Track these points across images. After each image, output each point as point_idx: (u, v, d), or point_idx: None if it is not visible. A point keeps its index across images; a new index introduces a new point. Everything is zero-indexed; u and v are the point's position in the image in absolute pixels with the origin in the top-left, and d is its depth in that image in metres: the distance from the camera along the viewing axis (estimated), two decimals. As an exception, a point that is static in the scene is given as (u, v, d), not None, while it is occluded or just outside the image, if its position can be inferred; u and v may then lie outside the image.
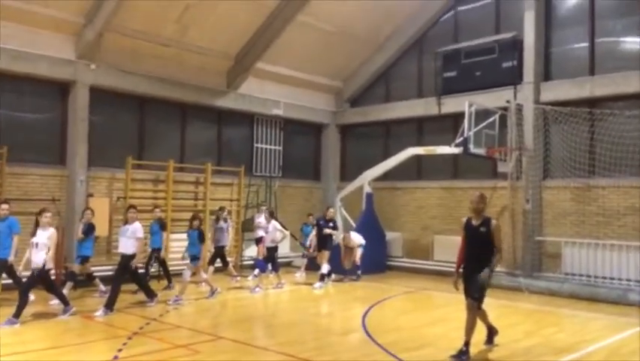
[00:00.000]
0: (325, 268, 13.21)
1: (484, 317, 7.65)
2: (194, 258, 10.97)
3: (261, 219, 13.42)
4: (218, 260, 12.71)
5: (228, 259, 13.38)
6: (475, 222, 7.36)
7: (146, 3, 12.66)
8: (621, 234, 12.51)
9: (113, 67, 13.16)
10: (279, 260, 13.21)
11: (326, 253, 13.37)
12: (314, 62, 16.83)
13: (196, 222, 11.16)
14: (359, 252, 14.03)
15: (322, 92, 18.08)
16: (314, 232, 14.20)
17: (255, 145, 16.76)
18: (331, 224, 13.72)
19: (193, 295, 11.20)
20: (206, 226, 13.23)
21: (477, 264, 7.20)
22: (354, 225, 15.43)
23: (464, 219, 7.58)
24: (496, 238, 7.23)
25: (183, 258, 11.46)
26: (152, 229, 12.09)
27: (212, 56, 14.82)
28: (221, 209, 13.01)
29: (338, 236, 14.07)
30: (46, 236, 8.79)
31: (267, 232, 12.49)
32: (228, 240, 12.80)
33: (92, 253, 10.77)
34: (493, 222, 7.29)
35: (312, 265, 14.07)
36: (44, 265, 8.69)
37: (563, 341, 8.22)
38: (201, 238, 11.01)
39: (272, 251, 12.42)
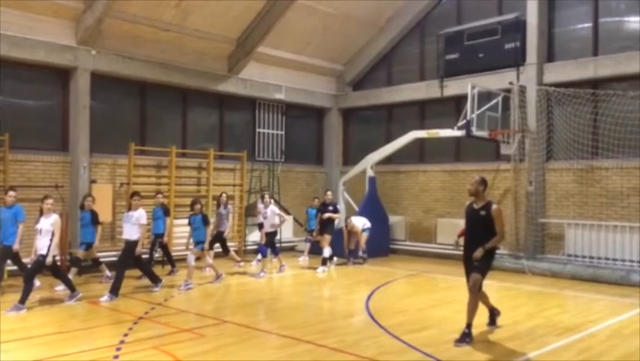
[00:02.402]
0: (326, 251, 13.24)
1: (485, 299, 7.69)
2: (199, 242, 11.01)
3: (262, 204, 13.43)
4: (218, 245, 12.71)
5: (230, 244, 13.37)
6: (476, 206, 7.38)
7: (146, -13, 12.61)
8: (624, 215, 12.51)
9: (114, 52, 13.12)
10: (282, 244, 13.23)
11: (327, 237, 13.39)
12: (315, 45, 16.74)
13: (198, 207, 11.20)
14: (364, 236, 14.02)
15: (324, 76, 18.01)
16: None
17: (257, 130, 16.74)
18: (331, 207, 13.72)
19: (198, 280, 11.26)
20: (208, 211, 13.28)
21: (477, 247, 7.23)
22: (357, 209, 15.45)
23: (467, 203, 7.59)
24: (496, 222, 7.23)
25: (187, 247, 11.42)
26: (155, 215, 12.14)
27: (212, 40, 14.74)
28: (220, 195, 13.01)
29: (340, 219, 14.07)
30: (49, 223, 8.86)
31: (265, 217, 12.49)
32: (227, 226, 12.79)
33: (94, 239, 10.79)
34: (494, 206, 7.29)
35: (316, 249, 14.11)
36: (48, 252, 8.74)
37: (566, 322, 8.26)
38: (205, 221, 11.06)
39: (271, 236, 12.45)
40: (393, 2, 16.45)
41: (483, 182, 7.40)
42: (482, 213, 7.26)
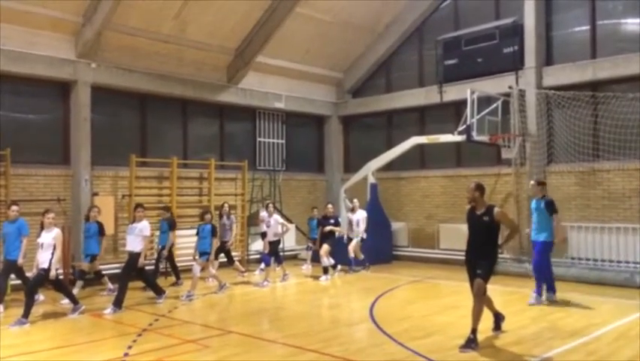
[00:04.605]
0: (325, 261, 13.15)
1: (489, 304, 7.67)
2: (204, 253, 11.00)
3: (264, 213, 13.43)
4: (223, 255, 12.68)
5: (233, 253, 13.32)
6: (478, 212, 7.37)
7: (144, 0, 12.62)
8: (627, 217, 12.48)
9: (114, 65, 13.16)
10: (285, 253, 13.16)
11: (326, 247, 13.28)
12: (314, 53, 16.80)
13: (208, 217, 11.20)
14: (354, 242, 13.87)
15: (323, 84, 18.05)
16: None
17: (258, 139, 16.76)
18: (332, 220, 13.64)
19: (201, 291, 11.25)
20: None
21: (479, 252, 7.26)
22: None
23: (468, 207, 7.59)
24: (505, 222, 7.36)
25: (194, 258, 11.39)
26: (161, 228, 12.16)
27: (211, 51, 14.80)
28: (222, 205, 13.00)
29: (341, 232, 13.99)
30: (51, 237, 8.87)
31: (268, 226, 12.50)
32: (230, 236, 12.75)
33: (98, 250, 10.84)
34: (496, 209, 7.31)
35: (318, 258, 14.07)
36: (50, 265, 8.73)
37: (571, 326, 8.23)
38: (214, 232, 11.05)
39: (274, 245, 12.46)
40: (391, 9, 16.52)
41: (479, 187, 7.42)
42: (485, 218, 7.27)
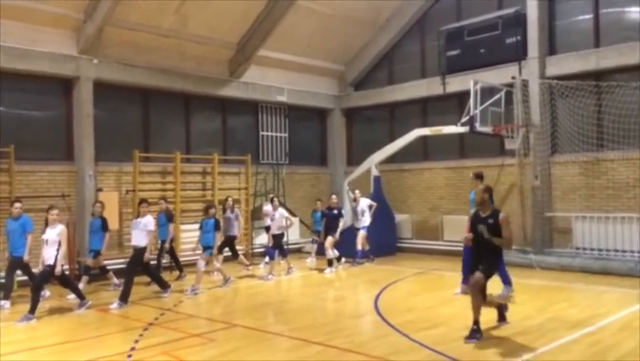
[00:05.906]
0: (330, 253, 13.19)
1: (489, 303, 7.61)
2: (208, 247, 11.03)
3: (268, 206, 13.44)
4: (227, 249, 12.72)
5: (238, 247, 13.34)
6: (483, 214, 7.34)
7: (145, -3, 12.65)
8: (631, 206, 12.45)
9: (115, 61, 13.17)
10: (289, 246, 13.17)
11: (331, 239, 13.32)
12: (316, 46, 16.75)
13: (212, 211, 11.24)
14: (362, 233, 13.99)
15: (325, 77, 18.01)
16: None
17: (261, 133, 16.76)
18: (335, 211, 13.65)
19: (206, 285, 11.29)
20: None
21: (484, 255, 7.25)
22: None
23: (472, 212, 7.56)
24: (504, 229, 7.18)
25: (194, 250, 11.48)
26: (159, 221, 12.17)
27: (213, 45, 14.78)
28: (226, 199, 13.03)
29: (346, 223, 14.04)
30: (55, 233, 8.90)
31: (272, 220, 12.54)
32: (238, 230, 12.79)
33: (102, 246, 10.84)
34: (502, 215, 7.26)
35: (323, 251, 14.10)
36: (55, 262, 8.78)
37: (576, 316, 8.24)
38: (217, 226, 11.09)
39: (278, 238, 12.50)
40: (393, 1, 16.44)
41: (487, 190, 7.41)
42: (490, 221, 7.23)
